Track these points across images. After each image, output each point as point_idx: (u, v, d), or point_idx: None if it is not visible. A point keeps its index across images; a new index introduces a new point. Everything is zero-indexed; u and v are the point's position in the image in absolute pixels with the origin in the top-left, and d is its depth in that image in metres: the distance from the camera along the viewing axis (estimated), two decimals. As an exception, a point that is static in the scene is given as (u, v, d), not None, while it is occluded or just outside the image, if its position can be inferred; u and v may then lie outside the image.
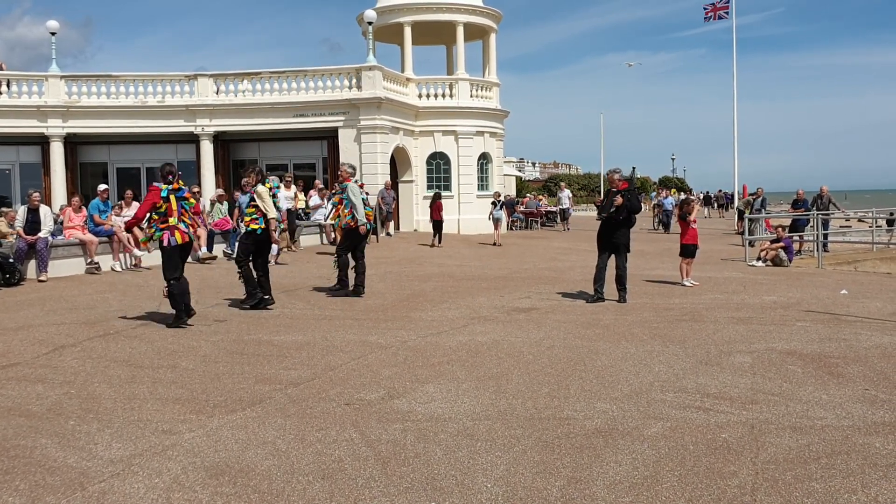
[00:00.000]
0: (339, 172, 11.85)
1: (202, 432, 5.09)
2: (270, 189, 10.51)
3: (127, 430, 5.14)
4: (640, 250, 18.40)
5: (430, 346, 7.85)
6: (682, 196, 34.82)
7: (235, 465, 4.50)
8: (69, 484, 4.24)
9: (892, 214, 25.04)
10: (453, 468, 4.46)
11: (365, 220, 11.31)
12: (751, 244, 18.00)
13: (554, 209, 35.40)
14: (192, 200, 9.28)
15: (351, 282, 11.48)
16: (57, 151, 25.17)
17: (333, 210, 11.81)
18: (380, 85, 24.55)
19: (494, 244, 22.32)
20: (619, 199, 10.75)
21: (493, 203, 24.22)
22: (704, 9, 33.58)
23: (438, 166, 27.93)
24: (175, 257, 8.97)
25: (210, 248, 16.46)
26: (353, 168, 11.96)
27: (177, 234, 8.85)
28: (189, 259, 13.73)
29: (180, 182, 9.11)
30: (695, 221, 12.79)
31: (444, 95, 28.06)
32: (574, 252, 19.65)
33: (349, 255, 11.52)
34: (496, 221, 23.66)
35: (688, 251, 12.67)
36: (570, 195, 36.80)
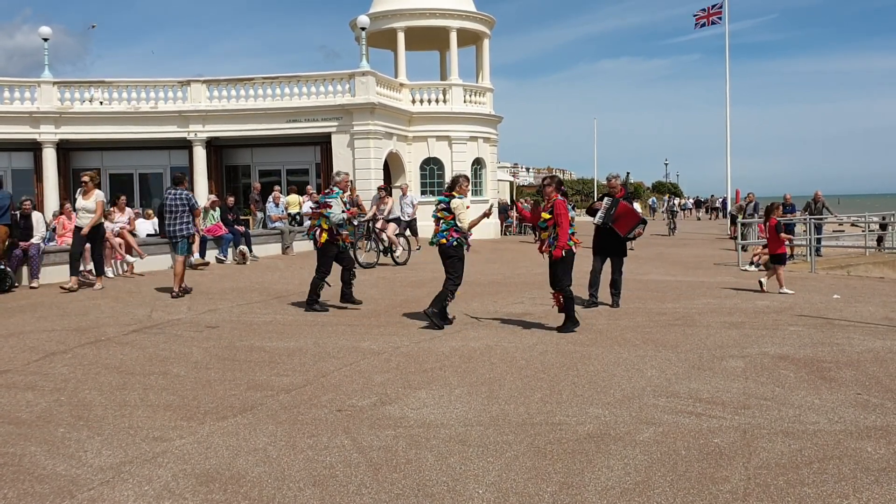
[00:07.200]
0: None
1: (193, 439, 5.07)
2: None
3: (117, 437, 5.11)
4: (634, 255, 18.41)
5: (423, 351, 7.84)
6: (677, 200, 35.09)
7: (226, 472, 4.48)
8: (58, 492, 4.21)
9: (883, 219, 25.13)
10: (445, 474, 4.44)
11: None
12: (743, 249, 18.04)
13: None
14: None
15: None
16: (49, 157, 25.13)
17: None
18: (373, 90, 24.58)
19: None
20: (640, 231, 11.01)
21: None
22: (695, 16, 33.76)
23: (432, 172, 27.95)
24: None
25: (203, 255, 16.43)
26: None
27: None
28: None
29: None
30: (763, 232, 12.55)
31: (437, 101, 28.10)
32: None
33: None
34: None
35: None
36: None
